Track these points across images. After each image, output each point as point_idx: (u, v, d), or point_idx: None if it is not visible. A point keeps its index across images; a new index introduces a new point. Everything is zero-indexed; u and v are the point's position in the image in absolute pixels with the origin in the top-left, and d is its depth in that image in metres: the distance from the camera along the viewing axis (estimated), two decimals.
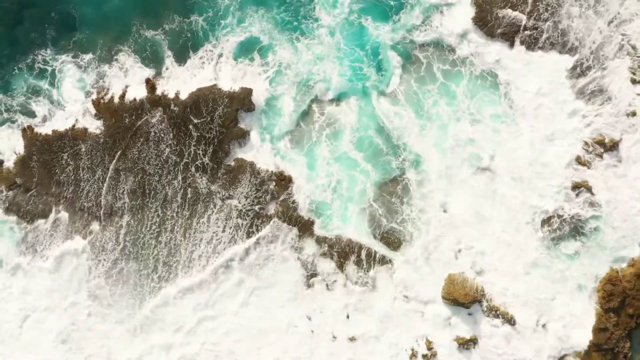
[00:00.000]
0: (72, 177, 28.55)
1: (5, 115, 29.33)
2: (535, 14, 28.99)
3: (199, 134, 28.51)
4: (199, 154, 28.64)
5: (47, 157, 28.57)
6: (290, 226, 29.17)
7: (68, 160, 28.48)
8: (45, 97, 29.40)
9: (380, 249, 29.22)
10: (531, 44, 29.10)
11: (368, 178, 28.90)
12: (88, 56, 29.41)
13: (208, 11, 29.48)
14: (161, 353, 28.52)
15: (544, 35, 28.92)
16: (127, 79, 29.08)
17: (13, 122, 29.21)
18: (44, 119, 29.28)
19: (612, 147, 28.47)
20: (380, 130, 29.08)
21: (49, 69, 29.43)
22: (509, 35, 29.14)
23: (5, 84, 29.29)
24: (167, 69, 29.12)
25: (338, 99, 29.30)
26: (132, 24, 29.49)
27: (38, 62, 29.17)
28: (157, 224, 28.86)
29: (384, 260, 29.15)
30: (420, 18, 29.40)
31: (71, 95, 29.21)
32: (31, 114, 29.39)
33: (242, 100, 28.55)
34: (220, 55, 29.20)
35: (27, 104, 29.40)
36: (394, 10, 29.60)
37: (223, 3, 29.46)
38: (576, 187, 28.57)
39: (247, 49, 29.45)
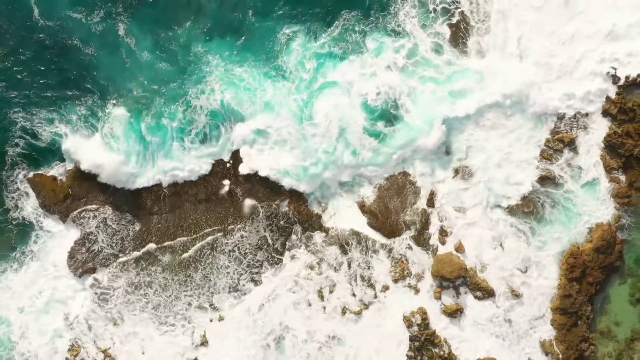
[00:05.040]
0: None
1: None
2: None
3: None
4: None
5: None
6: (301, 220, 33.06)
7: None
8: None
9: (377, 236, 32.94)
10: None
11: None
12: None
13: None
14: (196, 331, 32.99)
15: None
16: None
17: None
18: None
19: (569, 142, 32.01)
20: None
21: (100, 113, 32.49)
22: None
23: (59, 109, 32.47)
24: None
25: None
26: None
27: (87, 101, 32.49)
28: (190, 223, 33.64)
29: (382, 245, 32.92)
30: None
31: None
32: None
33: None
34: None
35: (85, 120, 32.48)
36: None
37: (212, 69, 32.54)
38: (541, 178, 32.07)
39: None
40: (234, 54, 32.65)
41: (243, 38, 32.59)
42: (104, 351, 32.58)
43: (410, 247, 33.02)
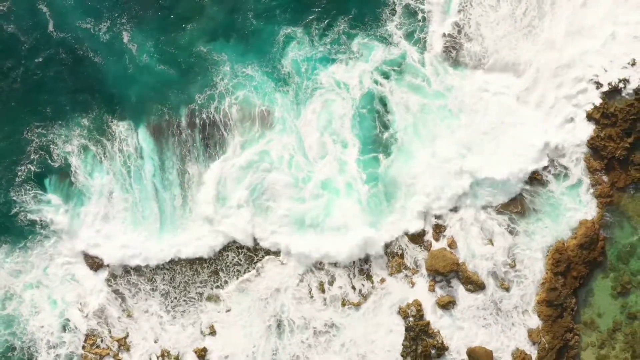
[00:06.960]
0: None
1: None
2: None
3: None
4: None
5: None
6: None
7: None
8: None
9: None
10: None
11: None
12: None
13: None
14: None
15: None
16: None
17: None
18: None
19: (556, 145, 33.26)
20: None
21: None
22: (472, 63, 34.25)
23: (66, 125, 33.45)
24: None
25: None
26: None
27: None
28: None
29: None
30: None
31: None
32: None
33: None
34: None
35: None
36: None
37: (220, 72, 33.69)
38: (529, 178, 33.30)
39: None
40: (238, 57, 33.87)
41: (246, 41, 33.97)
42: (119, 340, 33.84)
43: (405, 243, 33.84)
